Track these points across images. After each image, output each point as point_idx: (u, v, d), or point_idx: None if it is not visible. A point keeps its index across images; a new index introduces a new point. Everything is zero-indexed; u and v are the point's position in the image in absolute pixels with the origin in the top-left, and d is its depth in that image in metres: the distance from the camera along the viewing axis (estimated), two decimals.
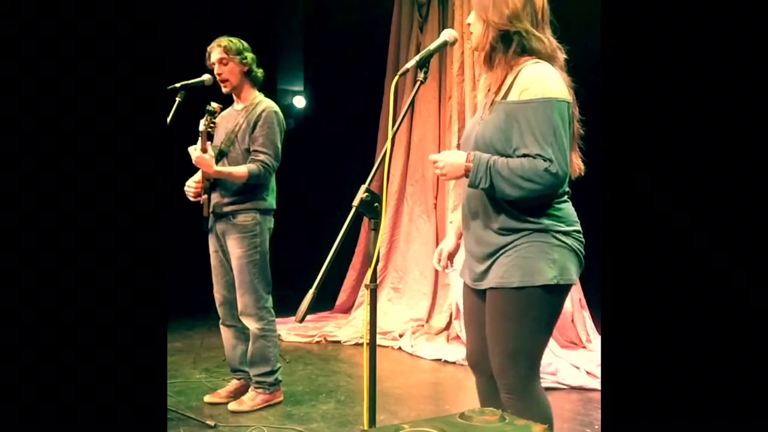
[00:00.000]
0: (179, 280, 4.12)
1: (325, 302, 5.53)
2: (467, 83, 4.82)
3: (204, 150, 2.90)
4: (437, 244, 5.10)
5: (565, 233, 1.78)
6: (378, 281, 1.67)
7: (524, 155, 1.71)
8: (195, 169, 3.16)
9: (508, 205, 1.77)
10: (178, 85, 2.94)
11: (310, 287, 1.58)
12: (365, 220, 1.68)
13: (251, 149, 3.05)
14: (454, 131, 4.95)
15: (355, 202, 1.64)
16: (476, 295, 1.91)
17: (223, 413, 3.11)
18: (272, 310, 3.17)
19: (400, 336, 4.75)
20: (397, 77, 1.73)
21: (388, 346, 4.62)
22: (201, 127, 2.89)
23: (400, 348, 4.58)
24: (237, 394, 3.29)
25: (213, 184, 3.10)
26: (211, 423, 2.89)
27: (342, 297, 5.57)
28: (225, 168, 2.99)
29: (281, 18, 6.65)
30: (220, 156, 3.10)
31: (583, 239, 1.83)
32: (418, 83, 1.76)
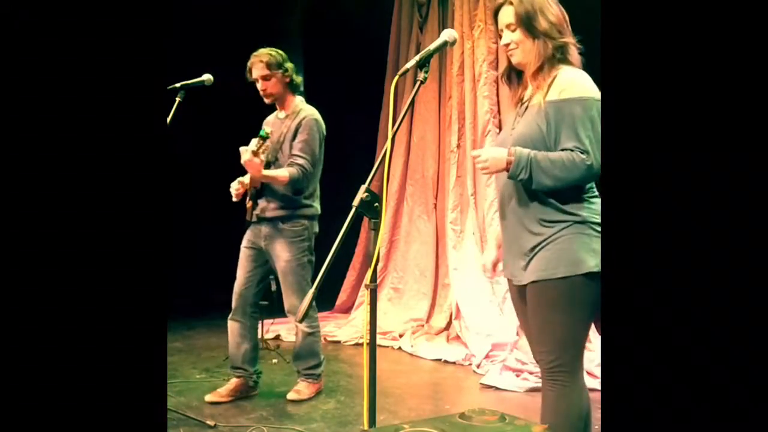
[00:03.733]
0: (180, 281, 4.12)
1: (325, 302, 5.52)
2: (467, 83, 4.83)
3: (255, 154, 2.95)
4: (437, 244, 5.11)
5: (601, 224, 1.83)
6: (378, 281, 1.68)
7: (563, 149, 1.80)
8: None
9: (548, 198, 1.83)
10: (178, 85, 2.95)
11: (310, 287, 1.58)
12: (365, 220, 1.68)
13: (291, 154, 3.15)
14: (454, 131, 4.95)
15: (355, 202, 1.64)
16: (518, 291, 1.98)
17: (223, 413, 3.11)
18: (316, 308, 3.34)
19: (400, 336, 4.74)
20: (397, 77, 1.74)
21: (388, 346, 4.61)
22: (254, 147, 2.92)
23: (400, 348, 4.58)
24: (237, 392, 3.32)
25: (259, 191, 3.14)
26: (211, 423, 2.89)
27: (342, 297, 5.56)
28: (270, 171, 3.07)
29: (281, 18, 6.64)
30: (267, 165, 3.15)
31: None
32: (418, 83, 1.77)
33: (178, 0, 5.10)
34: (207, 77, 3.09)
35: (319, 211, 3.31)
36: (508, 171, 1.84)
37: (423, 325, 4.86)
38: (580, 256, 1.80)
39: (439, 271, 5.05)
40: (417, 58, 1.78)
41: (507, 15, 1.89)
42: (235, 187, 3.17)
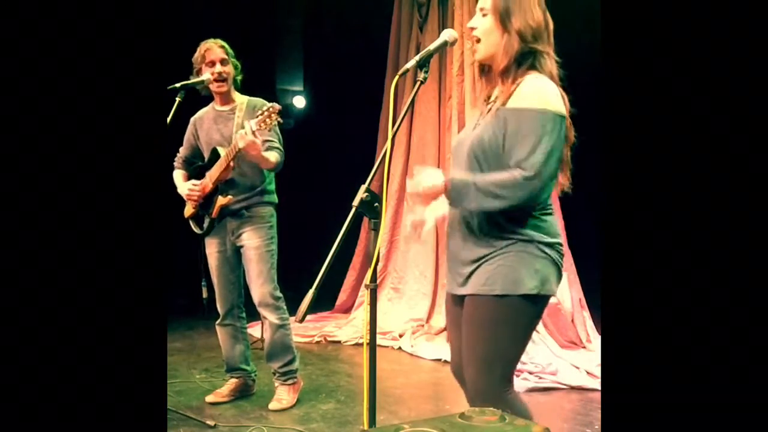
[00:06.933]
0: (179, 280, 4.12)
1: (325, 302, 5.53)
2: (467, 83, 4.82)
3: (254, 135, 2.90)
4: (437, 244, 5.10)
5: (549, 245, 1.77)
6: (378, 281, 1.67)
7: (512, 162, 1.69)
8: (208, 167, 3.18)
9: (495, 214, 1.75)
10: (178, 85, 2.94)
11: (310, 287, 1.58)
12: (365, 220, 1.68)
13: (264, 140, 3.08)
14: (454, 131, 4.95)
15: (355, 202, 1.64)
16: (457, 303, 1.90)
17: (223, 413, 3.11)
18: (283, 298, 3.22)
19: (400, 336, 4.75)
20: (397, 77, 1.73)
21: (388, 346, 4.62)
22: (253, 129, 2.85)
23: (400, 348, 4.58)
24: (238, 392, 3.34)
25: (225, 184, 3.11)
26: (211, 423, 2.89)
27: (342, 297, 5.57)
28: (264, 153, 3.00)
29: (281, 18, 6.64)
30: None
31: (563, 252, 1.83)
32: (418, 83, 1.76)
33: (178, 0, 5.10)
34: (206, 77, 3.09)
35: (277, 201, 3.29)
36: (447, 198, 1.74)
37: (423, 325, 4.86)
38: (520, 276, 1.72)
39: (439, 271, 5.05)
40: (417, 58, 1.77)
41: None
42: (196, 192, 3.14)
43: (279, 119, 2.85)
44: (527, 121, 1.68)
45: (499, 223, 1.75)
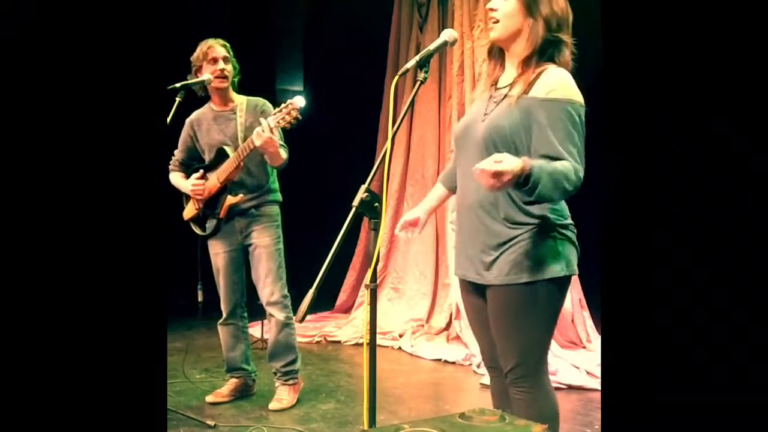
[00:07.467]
0: (179, 281, 4.12)
1: (325, 302, 5.52)
2: (467, 83, 4.82)
3: (271, 132, 2.90)
4: (437, 244, 5.10)
5: (564, 226, 1.80)
6: (378, 281, 1.67)
7: (545, 155, 1.66)
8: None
9: (514, 198, 1.75)
10: (178, 85, 2.94)
11: (310, 287, 1.58)
12: (365, 220, 1.68)
13: None
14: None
15: (355, 202, 1.64)
16: (475, 290, 1.90)
17: (223, 413, 3.11)
18: (289, 296, 3.23)
19: (400, 336, 4.74)
20: (397, 77, 1.73)
21: (388, 346, 4.61)
22: (271, 125, 2.87)
23: (400, 348, 4.58)
24: (238, 392, 3.34)
25: (234, 183, 3.11)
26: (211, 423, 2.89)
27: (342, 297, 5.56)
28: (279, 149, 3.01)
29: (281, 18, 6.64)
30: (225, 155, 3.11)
31: (575, 231, 1.86)
32: (418, 83, 1.75)
33: (179, 0, 5.10)
34: (207, 77, 3.09)
35: (282, 199, 3.31)
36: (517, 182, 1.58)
37: (423, 325, 4.85)
38: (545, 261, 1.74)
39: (439, 271, 5.05)
40: (417, 58, 1.76)
41: None
42: (200, 188, 3.13)
43: (299, 116, 2.86)
44: (564, 113, 1.68)
45: (518, 208, 1.75)
